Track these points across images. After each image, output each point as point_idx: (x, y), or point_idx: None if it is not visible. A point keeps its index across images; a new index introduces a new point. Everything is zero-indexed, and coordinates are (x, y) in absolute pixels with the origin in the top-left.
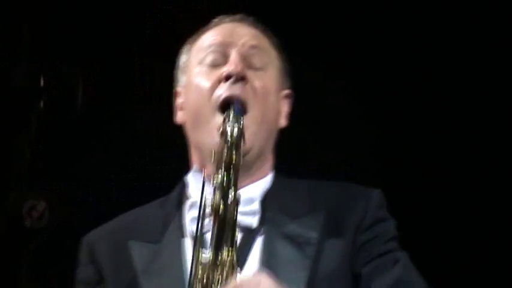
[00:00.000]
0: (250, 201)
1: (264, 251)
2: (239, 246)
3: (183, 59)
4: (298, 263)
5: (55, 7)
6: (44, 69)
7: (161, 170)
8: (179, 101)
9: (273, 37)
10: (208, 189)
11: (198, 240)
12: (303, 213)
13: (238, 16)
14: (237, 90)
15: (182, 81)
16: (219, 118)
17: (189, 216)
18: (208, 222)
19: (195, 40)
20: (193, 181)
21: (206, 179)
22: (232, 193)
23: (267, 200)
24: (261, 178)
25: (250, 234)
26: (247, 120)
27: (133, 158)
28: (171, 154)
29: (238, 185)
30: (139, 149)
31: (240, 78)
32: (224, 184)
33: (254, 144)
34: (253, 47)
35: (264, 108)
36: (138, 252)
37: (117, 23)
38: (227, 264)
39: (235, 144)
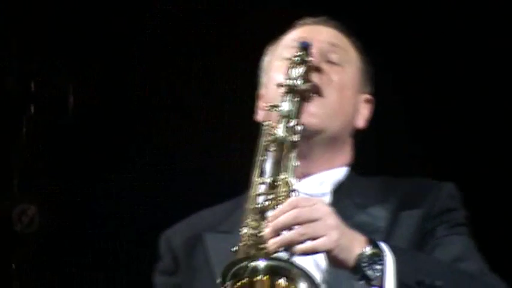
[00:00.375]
0: (321, 185)
1: None
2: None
3: (265, 60)
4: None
5: (46, 11)
6: (34, 74)
7: (156, 172)
8: (261, 103)
9: (356, 40)
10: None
11: (258, 159)
12: (372, 204)
13: (321, 18)
14: (313, 79)
15: (263, 82)
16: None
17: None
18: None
19: (277, 42)
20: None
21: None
22: (295, 120)
23: (338, 189)
24: (335, 168)
25: None
26: (322, 102)
27: (125, 161)
28: (162, 158)
29: (312, 171)
30: (131, 153)
31: (316, 69)
32: (287, 112)
33: (326, 126)
34: (332, 43)
35: (340, 100)
36: (212, 242)
37: (110, 26)
38: (284, 188)
39: (299, 73)
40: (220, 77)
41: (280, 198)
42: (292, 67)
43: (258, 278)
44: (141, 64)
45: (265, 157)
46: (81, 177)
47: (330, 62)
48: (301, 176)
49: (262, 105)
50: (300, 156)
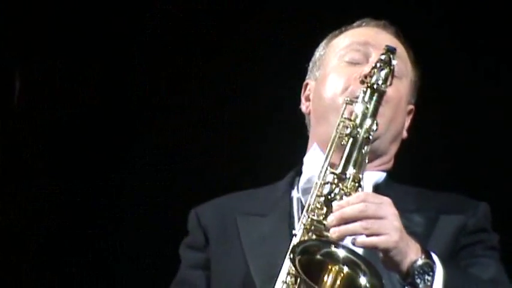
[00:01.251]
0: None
1: None
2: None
3: (319, 53)
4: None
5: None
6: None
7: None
8: (307, 93)
9: (411, 50)
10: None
11: (331, 150)
12: (411, 210)
13: (382, 22)
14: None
15: (315, 75)
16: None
17: (302, 189)
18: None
19: (335, 36)
20: (309, 160)
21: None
22: (371, 119)
23: (376, 191)
24: (378, 170)
25: None
26: (383, 110)
27: (125, 161)
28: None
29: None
30: (131, 153)
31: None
32: (365, 108)
33: (386, 132)
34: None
35: (395, 112)
36: (244, 224)
37: (110, 26)
38: (352, 181)
39: (384, 75)
40: (221, 77)
41: (348, 190)
42: (379, 68)
43: (335, 266)
44: (141, 64)
45: (335, 149)
46: (81, 177)
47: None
48: None
49: (307, 93)
50: None
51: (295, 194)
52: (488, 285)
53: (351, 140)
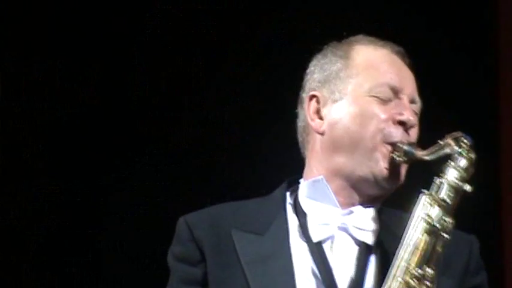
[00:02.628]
0: (373, 219)
1: (380, 270)
2: (357, 260)
3: (334, 70)
4: None
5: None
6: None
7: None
8: (317, 106)
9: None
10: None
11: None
12: None
13: (396, 48)
14: (408, 137)
15: (332, 94)
16: (387, 148)
17: (311, 221)
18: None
19: (350, 57)
20: (313, 192)
21: (340, 206)
22: (450, 219)
23: (380, 219)
24: (381, 199)
25: (367, 250)
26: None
27: (125, 161)
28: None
29: (364, 205)
30: (131, 153)
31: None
32: (445, 204)
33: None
34: (416, 96)
35: None
36: (241, 240)
37: (110, 26)
38: (427, 283)
39: (466, 172)
40: (221, 77)
41: None
42: (464, 165)
43: None
44: (141, 64)
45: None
46: (81, 177)
47: (415, 113)
48: (351, 205)
49: (319, 108)
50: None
51: (291, 218)
52: None
53: (428, 234)
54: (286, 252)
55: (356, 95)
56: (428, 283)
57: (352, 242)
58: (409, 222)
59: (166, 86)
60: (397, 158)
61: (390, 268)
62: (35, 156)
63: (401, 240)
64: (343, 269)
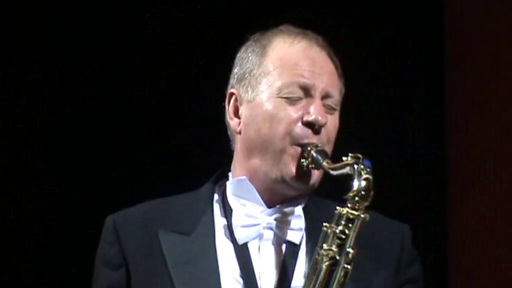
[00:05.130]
0: (298, 217)
1: (307, 268)
2: (284, 259)
3: (250, 67)
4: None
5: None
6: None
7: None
8: (235, 104)
9: (339, 64)
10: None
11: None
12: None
13: (314, 38)
14: (317, 138)
15: (246, 92)
16: (296, 151)
17: (236, 222)
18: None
19: (267, 53)
20: (238, 190)
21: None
22: (351, 250)
23: (306, 215)
24: (305, 197)
25: (294, 248)
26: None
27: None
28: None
29: (288, 204)
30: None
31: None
32: (343, 236)
33: (318, 181)
34: (331, 88)
35: (331, 148)
36: (168, 241)
37: (110, 26)
38: None
39: (363, 199)
40: (221, 77)
41: None
42: (354, 187)
43: None
44: (141, 64)
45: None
46: (81, 177)
47: (327, 108)
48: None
49: (236, 107)
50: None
51: (218, 217)
52: None
53: (329, 270)
54: (212, 253)
55: (267, 95)
56: None
57: (279, 241)
58: (313, 257)
59: (166, 86)
60: (306, 164)
61: None
62: (35, 156)
63: (306, 276)
64: (270, 269)
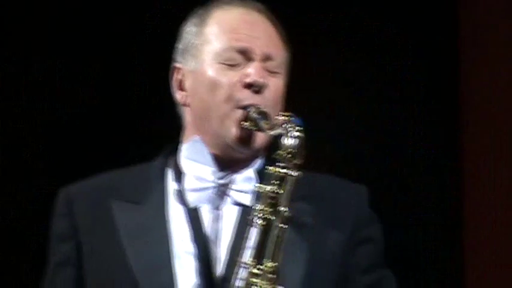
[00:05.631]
0: (249, 179)
1: None
2: (235, 221)
3: (191, 39)
4: (296, 243)
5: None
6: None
7: None
8: (179, 78)
9: (283, 31)
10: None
11: (245, 239)
12: (296, 199)
13: (255, 6)
14: (259, 99)
15: (189, 64)
16: (238, 114)
17: (188, 185)
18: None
19: (206, 23)
20: (190, 152)
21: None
22: (285, 208)
23: (260, 178)
24: (257, 160)
25: (245, 210)
26: (269, 112)
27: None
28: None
29: (239, 167)
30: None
31: (260, 90)
32: (277, 196)
33: (264, 142)
34: (272, 50)
35: (279, 107)
36: (120, 211)
37: (110, 26)
38: (269, 275)
39: (294, 158)
40: None
41: (266, 285)
42: (288, 153)
43: None
44: (141, 64)
45: (251, 237)
46: (81, 177)
47: (268, 71)
48: (230, 172)
49: (180, 80)
50: (238, 162)
51: (170, 182)
52: None
53: (263, 229)
54: (164, 220)
55: (208, 63)
56: (270, 276)
57: (231, 203)
58: (248, 218)
59: (166, 86)
60: (248, 127)
61: (234, 271)
62: (35, 156)
63: (232, 235)
64: (222, 232)
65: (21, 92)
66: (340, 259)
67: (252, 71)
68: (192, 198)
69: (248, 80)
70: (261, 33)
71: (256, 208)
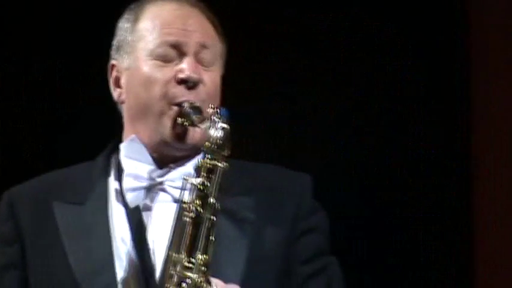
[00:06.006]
0: (189, 175)
1: None
2: (176, 218)
3: (125, 36)
4: (237, 240)
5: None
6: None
7: None
8: (116, 75)
9: (218, 24)
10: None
11: (175, 238)
12: (237, 192)
13: (189, 0)
14: (194, 95)
15: (124, 61)
16: (173, 111)
17: (126, 185)
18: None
19: (139, 19)
20: (128, 151)
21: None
22: (213, 199)
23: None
24: (196, 157)
25: None
26: (204, 106)
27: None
28: None
29: (177, 164)
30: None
31: (195, 85)
32: (205, 188)
33: (200, 138)
34: (205, 45)
35: (215, 101)
36: (62, 213)
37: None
38: (201, 268)
39: (220, 148)
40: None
41: (197, 281)
42: (211, 135)
43: None
44: None
45: (183, 232)
46: None
47: (203, 65)
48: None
49: (117, 78)
50: (173, 160)
51: (112, 182)
52: None
53: (193, 223)
54: (106, 220)
55: (142, 59)
56: (202, 268)
57: (170, 201)
58: (175, 212)
59: None
60: (182, 122)
61: (167, 265)
62: (35, 156)
63: (170, 233)
64: (162, 230)
65: (21, 92)
66: (282, 254)
67: (186, 66)
68: (131, 198)
69: (182, 75)
70: (195, 27)
71: (186, 201)
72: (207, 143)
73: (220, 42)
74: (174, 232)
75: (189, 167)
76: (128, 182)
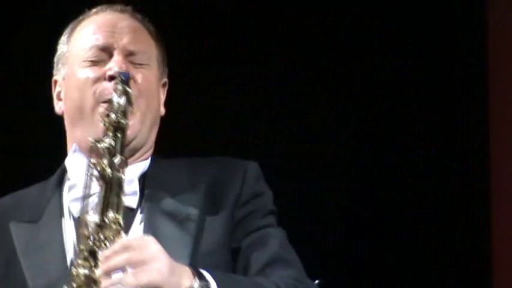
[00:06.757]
0: (130, 182)
1: (145, 229)
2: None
3: (62, 49)
4: (179, 239)
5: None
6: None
7: None
8: (58, 90)
9: (152, 27)
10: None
11: (85, 200)
12: (182, 190)
13: (118, 7)
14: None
15: (62, 73)
16: (103, 108)
17: (70, 196)
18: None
19: (74, 31)
20: (72, 163)
21: (88, 161)
22: (119, 157)
23: (146, 180)
24: (141, 160)
25: (131, 213)
26: (135, 113)
27: None
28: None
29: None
30: None
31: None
32: (111, 147)
33: (138, 135)
34: (135, 43)
35: (148, 103)
36: (17, 231)
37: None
38: (113, 226)
39: (122, 108)
40: (219, 77)
41: (111, 237)
42: (113, 100)
43: None
44: None
45: (93, 193)
46: None
47: (134, 63)
48: None
49: (58, 92)
50: None
51: (66, 195)
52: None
53: (102, 183)
54: (60, 235)
55: (75, 65)
56: (114, 226)
57: None
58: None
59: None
60: (105, 124)
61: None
62: (35, 156)
63: (83, 196)
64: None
65: (21, 92)
66: (226, 244)
67: (113, 64)
68: (76, 208)
69: (110, 72)
70: (124, 30)
71: (92, 162)
72: (110, 105)
73: (155, 43)
74: (84, 195)
75: (130, 173)
76: (73, 193)
